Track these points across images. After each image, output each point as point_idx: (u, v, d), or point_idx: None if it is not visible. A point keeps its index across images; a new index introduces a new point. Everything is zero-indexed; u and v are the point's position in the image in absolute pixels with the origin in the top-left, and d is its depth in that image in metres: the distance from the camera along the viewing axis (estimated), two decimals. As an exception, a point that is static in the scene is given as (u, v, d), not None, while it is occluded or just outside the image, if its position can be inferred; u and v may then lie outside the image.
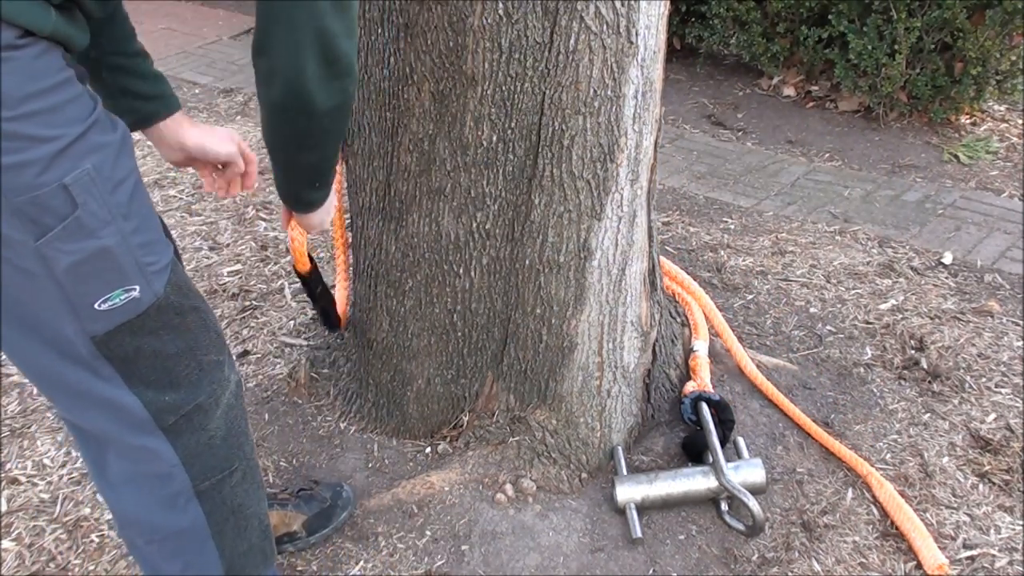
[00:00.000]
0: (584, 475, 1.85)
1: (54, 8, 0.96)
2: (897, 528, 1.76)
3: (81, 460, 1.24)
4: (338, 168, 1.52)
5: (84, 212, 1.01)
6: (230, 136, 1.38)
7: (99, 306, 1.07)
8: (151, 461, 1.21)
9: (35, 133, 0.95)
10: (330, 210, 1.43)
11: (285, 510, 1.70)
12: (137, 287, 1.09)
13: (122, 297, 1.08)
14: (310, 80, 1.08)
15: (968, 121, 3.82)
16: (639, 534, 1.69)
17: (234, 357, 1.33)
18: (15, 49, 0.92)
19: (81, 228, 1.01)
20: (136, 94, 1.30)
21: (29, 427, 2.03)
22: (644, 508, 1.76)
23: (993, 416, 2.08)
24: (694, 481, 1.77)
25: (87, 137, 1.00)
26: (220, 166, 1.41)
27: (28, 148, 0.95)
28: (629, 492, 1.75)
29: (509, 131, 1.58)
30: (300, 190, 1.32)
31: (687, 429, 1.94)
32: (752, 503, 1.69)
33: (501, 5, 1.47)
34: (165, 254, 1.14)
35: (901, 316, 2.45)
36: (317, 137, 1.19)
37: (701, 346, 2.06)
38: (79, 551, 1.73)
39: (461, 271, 1.74)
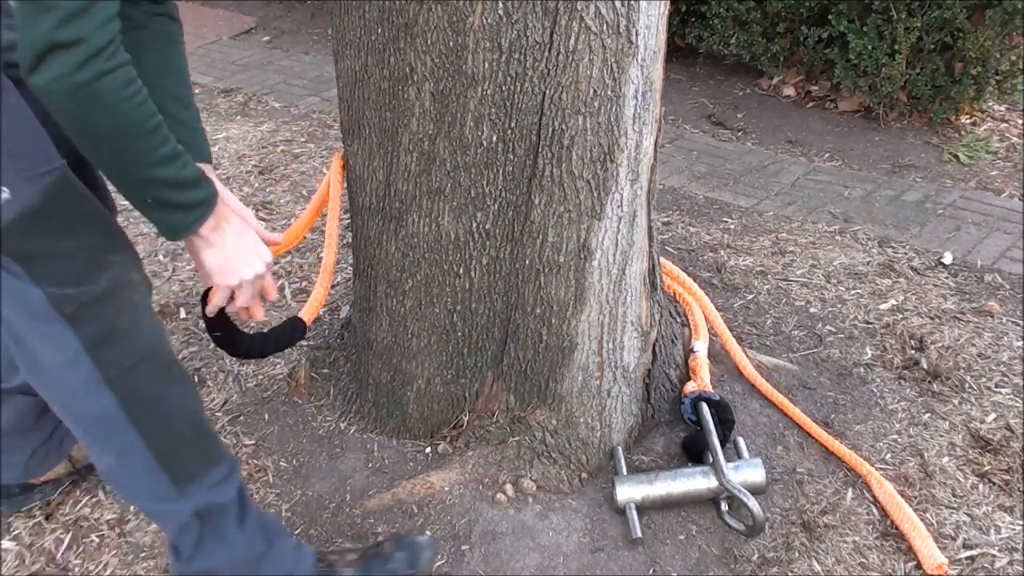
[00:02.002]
0: (584, 475, 1.85)
1: None
2: (897, 528, 1.76)
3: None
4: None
5: None
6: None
7: None
8: (58, 348, 1.30)
9: None
10: (235, 262, 1.35)
11: None
12: (7, 189, 1.19)
13: None
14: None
15: (968, 121, 3.83)
16: (639, 534, 1.69)
17: (140, 259, 1.42)
18: None
19: None
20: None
21: (29, 427, 2.03)
22: (644, 508, 1.76)
23: (993, 416, 2.08)
24: (694, 481, 1.77)
25: None
26: None
27: None
28: (629, 492, 1.75)
29: (509, 131, 1.58)
30: (137, 204, 1.26)
31: (687, 429, 1.94)
32: (752, 503, 1.69)
33: (501, 5, 1.47)
34: (45, 164, 1.23)
35: (901, 316, 2.45)
36: (76, 123, 1.14)
37: (701, 346, 2.06)
38: (79, 551, 1.73)
39: (461, 271, 1.74)
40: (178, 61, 1.49)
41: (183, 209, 1.27)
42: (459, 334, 1.81)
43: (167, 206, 1.25)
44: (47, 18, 1.05)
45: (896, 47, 3.49)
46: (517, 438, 1.84)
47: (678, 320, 2.12)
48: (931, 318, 2.44)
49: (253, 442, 1.97)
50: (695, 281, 2.29)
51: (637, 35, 1.53)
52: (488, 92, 1.54)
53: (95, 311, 1.30)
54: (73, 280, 1.28)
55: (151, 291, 1.41)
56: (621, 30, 1.51)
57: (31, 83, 1.08)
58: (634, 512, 1.73)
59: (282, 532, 1.58)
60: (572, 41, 1.50)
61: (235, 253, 1.35)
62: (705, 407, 1.86)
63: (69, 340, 1.29)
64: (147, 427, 1.37)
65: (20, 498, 1.79)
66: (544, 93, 1.54)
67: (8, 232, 1.22)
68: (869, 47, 3.54)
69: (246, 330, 1.62)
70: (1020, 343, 2.34)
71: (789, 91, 4.10)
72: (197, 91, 4.06)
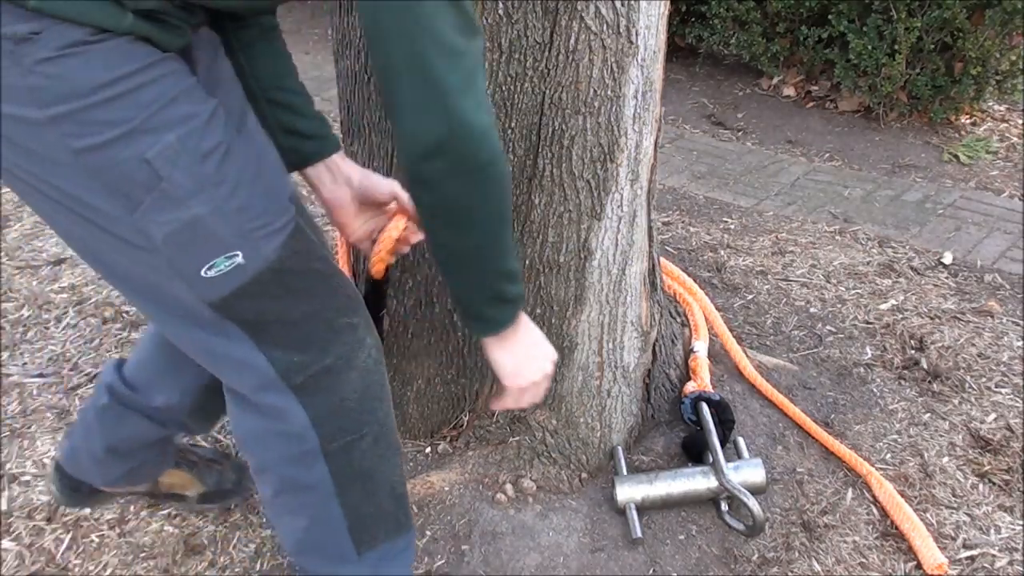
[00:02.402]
0: (584, 475, 1.85)
1: (132, 13, 1.00)
2: (897, 528, 1.76)
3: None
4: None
5: (170, 184, 1.04)
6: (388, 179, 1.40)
7: (205, 273, 1.09)
8: (281, 419, 1.22)
9: (110, 117, 1.00)
10: (528, 363, 1.26)
11: (190, 473, 1.72)
12: (240, 253, 1.09)
13: (226, 264, 1.09)
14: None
15: (968, 121, 3.83)
16: (639, 534, 1.69)
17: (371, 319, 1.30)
18: (89, 44, 0.98)
19: (169, 199, 1.04)
20: (297, 132, 1.33)
21: (29, 427, 2.03)
22: (644, 508, 1.76)
23: (993, 416, 2.08)
24: (694, 481, 1.77)
25: (167, 112, 1.03)
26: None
27: (106, 130, 1.00)
28: (629, 492, 1.75)
29: (509, 131, 1.58)
30: (469, 298, 1.18)
31: (687, 429, 1.94)
32: (752, 503, 1.69)
33: (501, 5, 1.47)
34: (278, 217, 1.13)
35: (901, 316, 2.45)
36: (460, 210, 1.06)
37: (701, 346, 2.06)
38: (79, 551, 1.73)
39: (461, 271, 1.74)
40: (287, 53, 1.37)
41: (508, 303, 1.18)
42: (459, 334, 1.81)
43: (498, 300, 1.17)
44: (446, 103, 0.97)
45: (896, 47, 3.49)
46: (517, 438, 1.84)
47: (678, 320, 2.12)
48: (931, 318, 2.44)
49: (253, 442, 1.97)
50: (695, 281, 2.29)
51: (637, 35, 1.53)
52: (488, 92, 1.54)
53: (325, 381, 1.21)
54: (303, 346, 1.18)
55: (382, 353, 1.30)
56: (621, 30, 1.51)
57: (420, 172, 1.00)
58: (634, 512, 1.73)
59: None
60: (572, 41, 1.50)
61: (528, 354, 1.27)
62: (705, 407, 1.86)
63: (297, 413, 1.20)
64: (350, 498, 1.29)
65: (80, 497, 1.66)
66: (544, 93, 1.54)
67: (238, 297, 1.12)
68: (869, 47, 3.54)
69: None
70: (1020, 343, 2.34)
71: (789, 91, 4.10)
72: (197, 91, 4.06)
